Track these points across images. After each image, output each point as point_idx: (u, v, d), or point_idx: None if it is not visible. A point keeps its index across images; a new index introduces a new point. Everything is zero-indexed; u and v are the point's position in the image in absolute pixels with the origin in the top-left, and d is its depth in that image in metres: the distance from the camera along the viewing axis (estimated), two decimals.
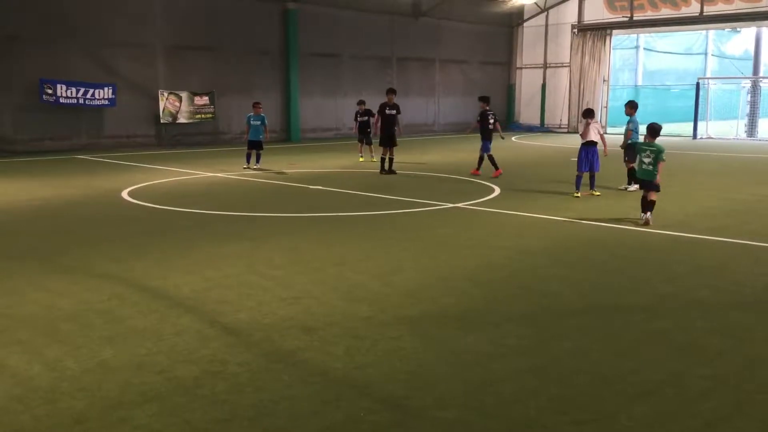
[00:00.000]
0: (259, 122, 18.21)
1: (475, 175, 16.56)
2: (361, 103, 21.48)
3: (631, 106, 14.50)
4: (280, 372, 5.00)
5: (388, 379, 4.89)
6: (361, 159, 20.40)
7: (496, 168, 16.33)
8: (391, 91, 17.64)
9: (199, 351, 5.37)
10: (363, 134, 20.63)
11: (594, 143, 13.38)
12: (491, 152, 16.60)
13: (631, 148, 14.06)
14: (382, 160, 17.27)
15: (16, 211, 11.87)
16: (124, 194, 13.66)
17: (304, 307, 6.47)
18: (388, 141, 17.18)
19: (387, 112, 17.39)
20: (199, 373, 4.96)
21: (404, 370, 5.04)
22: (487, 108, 16.86)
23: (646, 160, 10.48)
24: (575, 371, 5.04)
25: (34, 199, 13.20)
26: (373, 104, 20.53)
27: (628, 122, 14.37)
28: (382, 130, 17.38)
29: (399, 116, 17.48)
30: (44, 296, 6.81)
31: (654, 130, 10.66)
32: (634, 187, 13.76)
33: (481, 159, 16.78)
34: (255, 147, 18.24)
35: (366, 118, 20.64)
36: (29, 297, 6.78)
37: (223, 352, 5.34)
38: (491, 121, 16.70)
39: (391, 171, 17.09)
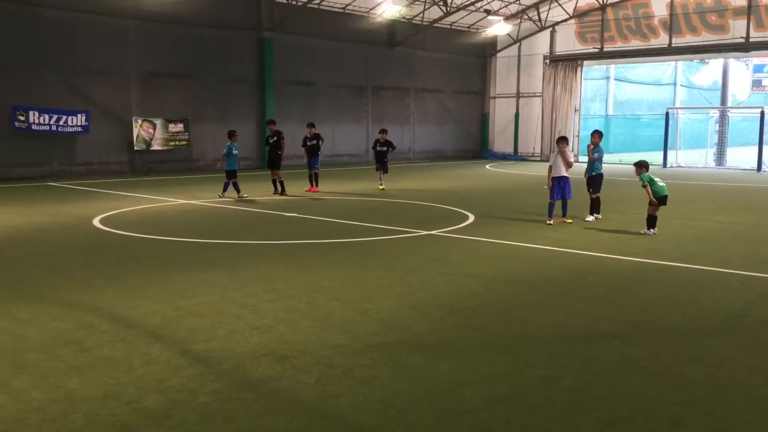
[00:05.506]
0: (236, 151, 18.12)
1: (311, 191, 19.49)
2: (383, 131, 21.35)
3: (600, 135, 14.20)
4: (251, 401, 4.93)
5: (360, 408, 4.85)
6: (381, 187, 20.32)
7: (315, 184, 19.90)
8: (270, 122, 20.32)
9: (169, 381, 5.28)
10: (380, 163, 20.74)
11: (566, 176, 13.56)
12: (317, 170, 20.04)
13: (596, 180, 14.03)
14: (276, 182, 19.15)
15: None
16: (96, 222, 13.50)
17: (277, 335, 6.42)
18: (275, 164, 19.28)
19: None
20: (168, 403, 4.88)
21: (377, 398, 5.01)
22: (315, 131, 20.50)
23: (660, 182, 12.46)
24: (548, 399, 5.04)
25: (3, 226, 13.00)
26: (371, 133, 20.52)
27: (597, 150, 14.00)
28: (281, 157, 19.30)
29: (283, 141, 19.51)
30: (11, 325, 6.68)
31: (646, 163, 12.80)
32: (591, 218, 13.89)
33: (314, 176, 19.96)
34: (234, 176, 18.04)
35: (385, 148, 20.70)
36: None
37: (193, 382, 5.27)
38: (315, 142, 20.30)
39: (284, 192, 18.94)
